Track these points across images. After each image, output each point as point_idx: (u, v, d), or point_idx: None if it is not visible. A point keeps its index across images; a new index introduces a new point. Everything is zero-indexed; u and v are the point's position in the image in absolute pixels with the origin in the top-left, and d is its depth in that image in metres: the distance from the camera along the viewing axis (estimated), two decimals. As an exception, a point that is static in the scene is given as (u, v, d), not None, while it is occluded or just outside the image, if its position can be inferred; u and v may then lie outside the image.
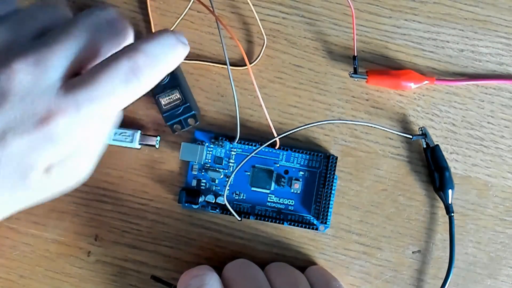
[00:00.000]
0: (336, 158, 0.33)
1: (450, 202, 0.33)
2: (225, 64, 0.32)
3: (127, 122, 0.33)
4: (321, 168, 0.33)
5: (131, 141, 0.33)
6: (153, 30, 0.34)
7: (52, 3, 0.27)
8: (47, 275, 0.34)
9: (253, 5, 0.34)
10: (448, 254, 0.33)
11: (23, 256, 0.34)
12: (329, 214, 0.33)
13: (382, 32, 0.34)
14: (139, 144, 0.33)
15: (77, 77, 0.25)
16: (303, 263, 0.34)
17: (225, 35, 0.33)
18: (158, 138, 0.33)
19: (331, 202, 0.33)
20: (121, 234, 0.34)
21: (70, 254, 0.34)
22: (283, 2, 0.34)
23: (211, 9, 0.31)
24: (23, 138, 0.24)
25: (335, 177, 0.33)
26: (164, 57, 0.25)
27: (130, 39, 0.27)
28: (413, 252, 0.34)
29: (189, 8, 0.34)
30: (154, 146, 0.33)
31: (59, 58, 0.25)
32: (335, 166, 0.33)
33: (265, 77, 0.34)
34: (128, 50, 0.25)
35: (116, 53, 0.25)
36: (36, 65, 0.24)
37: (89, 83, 0.24)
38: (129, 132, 0.33)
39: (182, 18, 0.34)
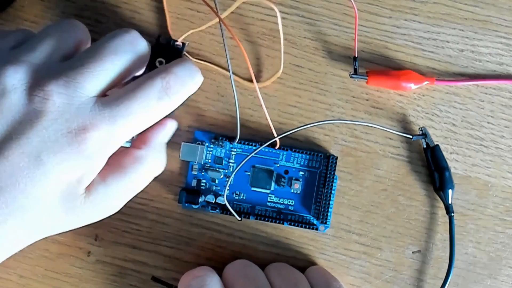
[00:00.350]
0: (336, 158, 0.33)
1: (450, 202, 0.33)
2: (227, 64, 0.32)
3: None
4: (321, 168, 0.33)
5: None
6: (170, 29, 0.34)
7: (69, 21, 0.29)
8: (47, 275, 0.34)
9: (252, 4, 0.34)
10: (448, 254, 0.33)
11: (23, 256, 0.34)
12: (329, 214, 0.33)
13: (382, 32, 0.34)
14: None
15: (112, 94, 0.27)
16: (303, 263, 0.34)
17: (225, 35, 0.33)
18: (158, 138, 0.33)
19: (331, 202, 0.33)
20: (121, 234, 0.34)
21: (70, 254, 0.34)
22: (283, 2, 0.34)
23: (215, 9, 0.31)
24: (57, 156, 0.25)
25: (335, 177, 0.33)
26: (190, 80, 0.28)
27: (148, 56, 0.29)
28: (413, 252, 0.34)
29: (189, 8, 0.34)
30: (154, 146, 0.33)
31: (89, 80, 0.26)
32: (335, 166, 0.33)
33: (265, 77, 0.34)
34: (160, 71, 0.28)
35: (149, 73, 0.28)
36: (66, 87, 0.26)
37: (125, 98, 0.27)
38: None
39: (199, 30, 0.34)
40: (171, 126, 0.31)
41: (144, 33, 0.34)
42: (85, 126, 0.26)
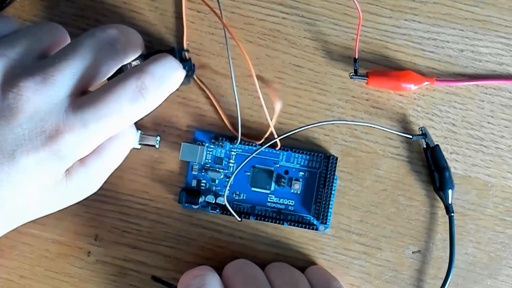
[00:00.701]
0: (336, 158, 0.33)
1: (450, 202, 0.33)
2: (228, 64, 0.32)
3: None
4: (321, 168, 0.33)
5: None
6: (185, 40, 0.34)
7: (51, 23, 0.29)
8: (47, 275, 0.34)
9: (251, 4, 0.34)
10: (448, 254, 0.33)
11: (23, 256, 0.34)
12: (329, 214, 0.33)
13: (382, 32, 0.34)
14: (139, 144, 0.33)
15: (85, 96, 0.26)
16: (303, 263, 0.34)
17: (227, 35, 0.33)
18: (158, 138, 0.33)
19: (331, 202, 0.33)
20: (121, 234, 0.34)
21: (70, 254, 0.34)
22: (283, 2, 0.34)
23: (218, 11, 0.31)
24: (31, 155, 0.25)
25: (335, 177, 0.33)
26: (168, 79, 0.27)
27: (131, 55, 0.28)
28: (413, 252, 0.34)
29: (189, 8, 0.34)
30: (154, 146, 0.33)
31: (65, 77, 0.26)
32: (335, 166, 0.33)
33: (265, 77, 0.34)
34: (135, 71, 0.26)
35: (124, 73, 0.27)
36: (43, 83, 0.25)
37: (97, 101, 0.26)
38: (129, 132, 0.33)
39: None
40: None
41: (144, 33, 0.34)
42: (58, 127, 0.25)
